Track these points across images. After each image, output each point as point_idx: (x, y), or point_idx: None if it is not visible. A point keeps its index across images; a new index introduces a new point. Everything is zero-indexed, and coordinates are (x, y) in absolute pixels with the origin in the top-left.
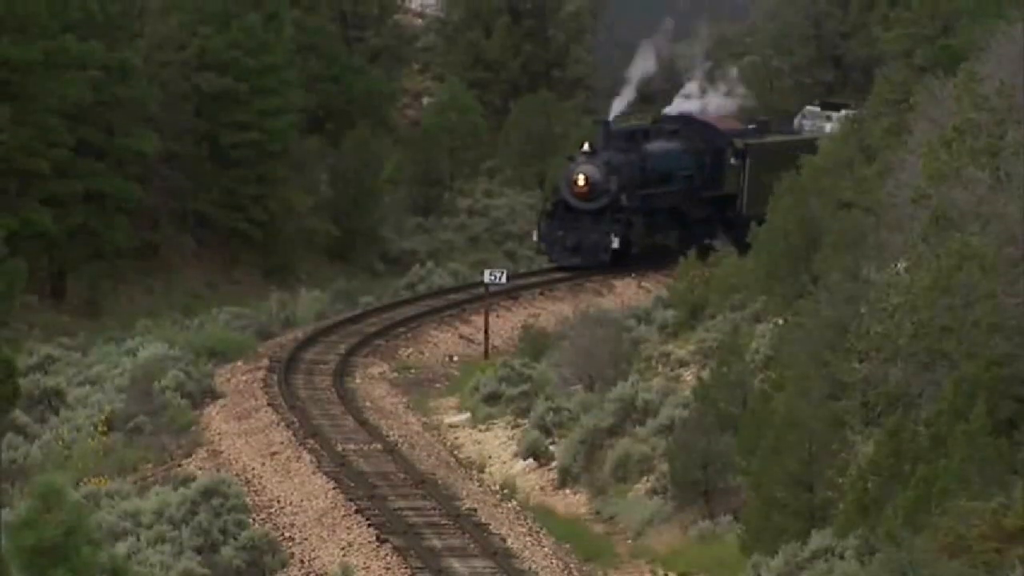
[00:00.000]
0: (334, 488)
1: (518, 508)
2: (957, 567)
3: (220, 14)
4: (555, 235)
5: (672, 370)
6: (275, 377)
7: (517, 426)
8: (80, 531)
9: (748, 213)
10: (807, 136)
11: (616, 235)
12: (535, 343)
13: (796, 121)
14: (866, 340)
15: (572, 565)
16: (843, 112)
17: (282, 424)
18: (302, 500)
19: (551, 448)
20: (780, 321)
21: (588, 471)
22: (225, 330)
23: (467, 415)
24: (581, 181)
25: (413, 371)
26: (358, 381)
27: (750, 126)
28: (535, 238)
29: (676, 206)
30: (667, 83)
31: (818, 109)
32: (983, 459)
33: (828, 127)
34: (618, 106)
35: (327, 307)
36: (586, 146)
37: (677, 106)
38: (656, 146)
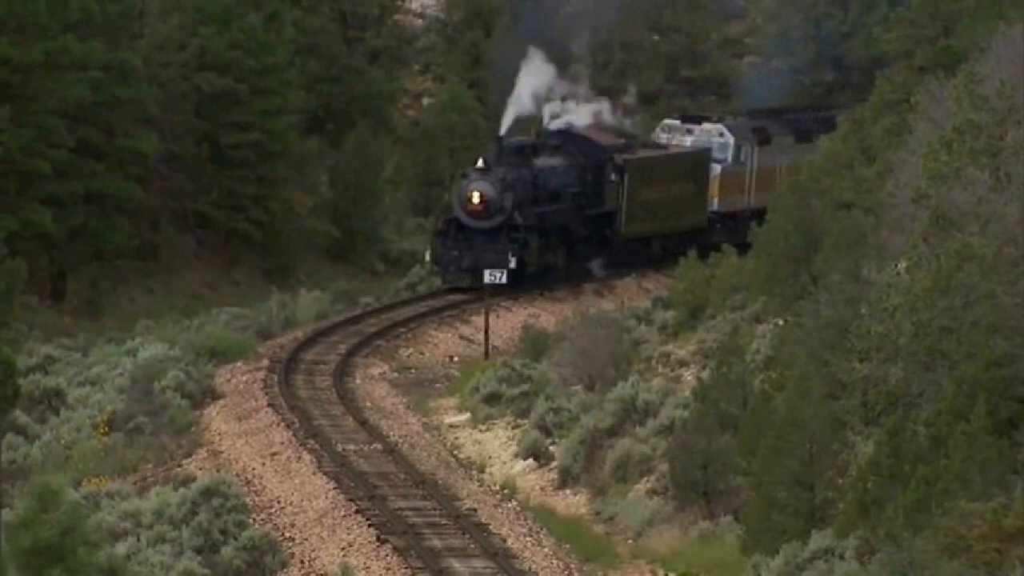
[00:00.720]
0: (334, 488)
1: (518, 508)
2: (957, 567)
3: (220, 15)
4: (449, 255)
5: (672, 370)
6: (275, 377)
7: (517, 426)
8: (77, 531)
9: (627, 232)
10: (689, 150)
11: (513, 255)
12: (535, 343)
13: (654, 135)
14: (866, 340)
15: (572, 565)
16: (704, 125)
17: (282, 424)
18: (302, 500)
19: (551, 448)
20: (780, 321)
21: (588, 471)
22: (225, 330)
23: (467, 415)
24: (476, 199)
25: (413, 371)
26: (358, 381)
27: (620, 140)
28: (427, 259)
29: (565, 224)
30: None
31: (678, 122)
32: (983, 459)
33: (689, 140)
34: (508, 119)
35: (327, 307)
36: (480, 162)
37: (563, 119)
38: (543, 162)
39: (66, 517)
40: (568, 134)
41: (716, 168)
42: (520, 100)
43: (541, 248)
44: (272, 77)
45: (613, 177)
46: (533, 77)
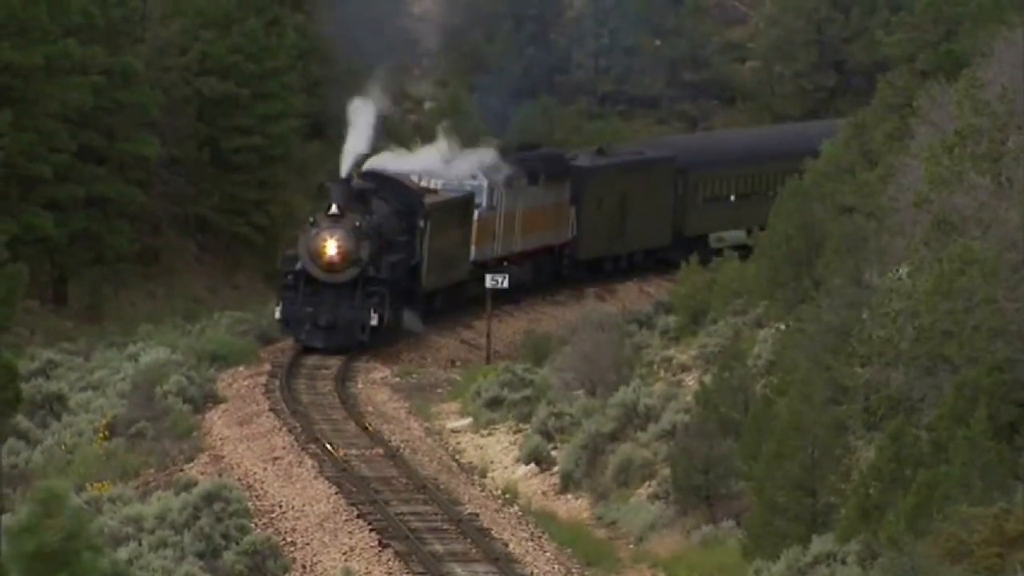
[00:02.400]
0: (336, 493)
1: (520, 513)
2: (959, 572)
3: (222, 19)
4: (302, 313)
5: (674, 375)
6: (277, 382)
7: (519, 431)
8: (80, 536)
9: (428, 285)
10: (463, 194)
11: (376, 310)
12: (537, 348)
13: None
14: (868, 345)
15: (574, 570)
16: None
17: (284, 429)
18: (304, 505)
19: (553, 453)
20: (782, 326)
21: (590, 476)
22: (227, 335)
23: (469, 420)
24: (332, 250)
25: (415, 376)
26: (360, 386)
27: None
28: (276, 316)
29: (400, 276)
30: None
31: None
32: (985, 464)
33: (440, 183)
34: (348, 160)
35: None
36: (334, 208)
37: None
38: (378, 207)
39: (69, 522)
40: (379, 176)
41: (475, 213)
42: (360, 138)
43: (392, 303)
44: (273, 81)
45: (421, 224)
46: (368, 114)
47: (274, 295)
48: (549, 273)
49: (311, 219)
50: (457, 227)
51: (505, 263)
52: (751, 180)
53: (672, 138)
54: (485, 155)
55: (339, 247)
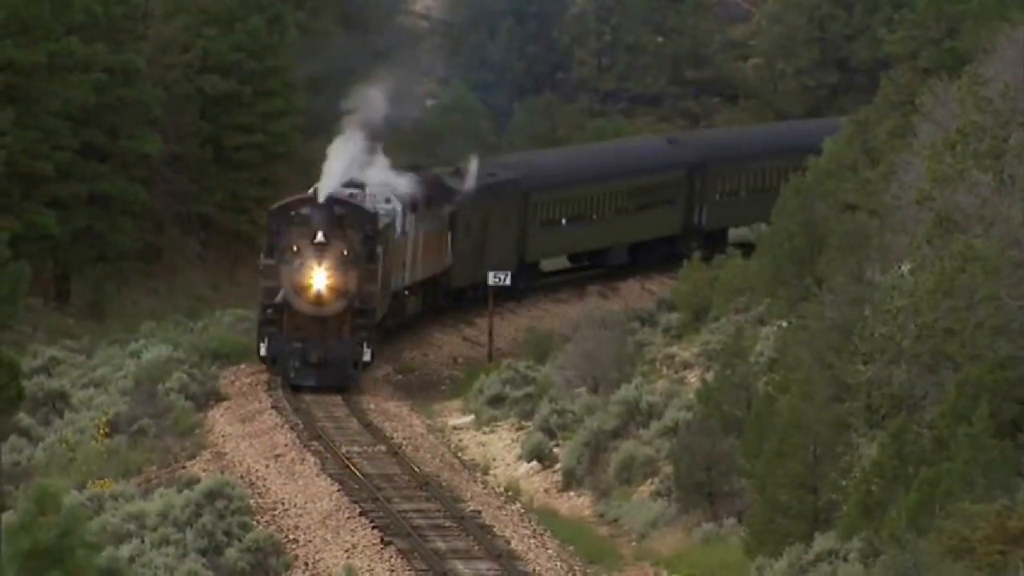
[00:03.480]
0: (338, 490)
1: (522, 510)
2: (962, 570)
3: (224, 16)
4: (290, 349)
5: (676, 372)
6: (279, 380)
7: (521, 428)
8: (75, 534)
9: (380, 314)
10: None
11: (368, 345)
12: (539, 345)
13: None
14: (870, 342)
15: (576, 567)
16: (369, 189)
17: (286, 426)
18: (306, 502)
19: (555, 450)
20: (784, 323)
21: (592, 473)
22: (229, 332)
23: (471, 417)
24: (320, 283)
25: (417, 373)
26: (362, 383)
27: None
28: (261, 353)
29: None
30: None
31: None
32: (987, 461)
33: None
34: (334, 180)
35: None
36: (319, 236)
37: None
38: (350, 234)
39: (64, 520)
40: (344, 200)
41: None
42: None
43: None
44: (275, 79)
45: (379, 250)
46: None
47: (254, 331)
48: (432, 304)
49: (293, 247)
50: (390, 254)
51: (407, 292)
52: (596, 201)
53: (525, 155)
54: (399, 176)
55: (328, 279)
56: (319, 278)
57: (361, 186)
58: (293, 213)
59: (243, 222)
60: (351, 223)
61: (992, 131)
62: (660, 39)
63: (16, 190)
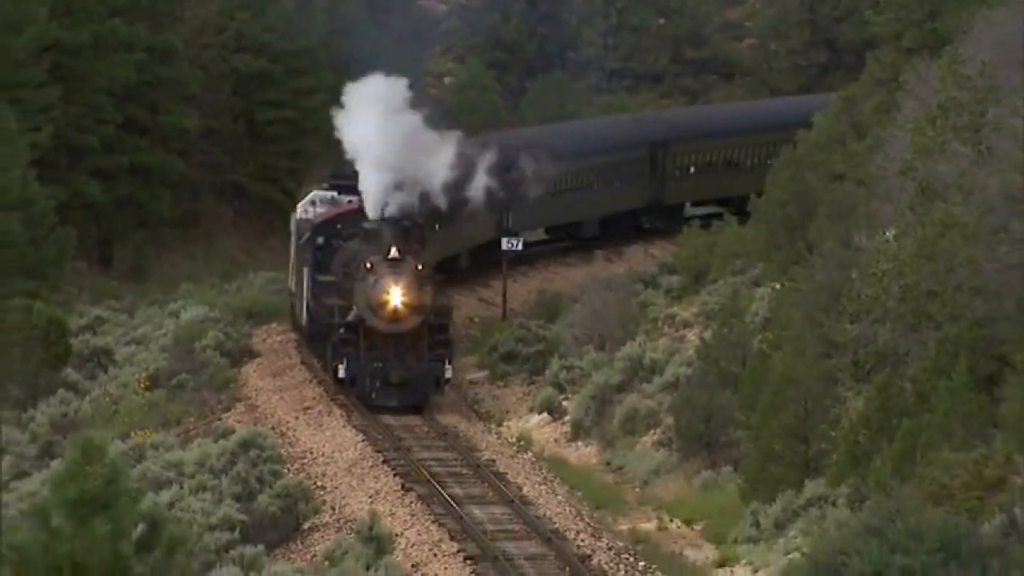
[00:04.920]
0: (362, 440)
1: (533, 459)
2: (941, 514)
3: (256, 0)
4: (370, 369)
5: (677, 331)
6: (303, 338)
7: (533, 383)
8: (118, 483)
9: None
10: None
11: (449, 361)
12: (550, 306)
13: (301, 209)
14: (857, 303)
15: (584, 512)
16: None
17: (314, 381)
18: (333, 451)
19: (564, 403)
20: (777, 285)
21: (599, 425)
22: (261, 293)
23: (486, 372)
24: (397, 299)
25: None
26: None
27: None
28: (340, 375)
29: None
30: None
31: (331, 195)
32: (965, 414)
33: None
34: (375, 196)
35: None
36: (393, 251)
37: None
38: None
39: (108, 470)
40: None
41: None
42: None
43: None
44: (305, 58)
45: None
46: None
47: (328, 351)
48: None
49: (367, 263)
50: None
51: None
52: (570, 177)
53: (506, 135)
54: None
55: (405, 295)
56: (396, 294)
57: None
58: (354, 228)
59: (274, 191)
60: (418, 236)
61: (970, 106)
62: (662, 21)
63: (63, 161)
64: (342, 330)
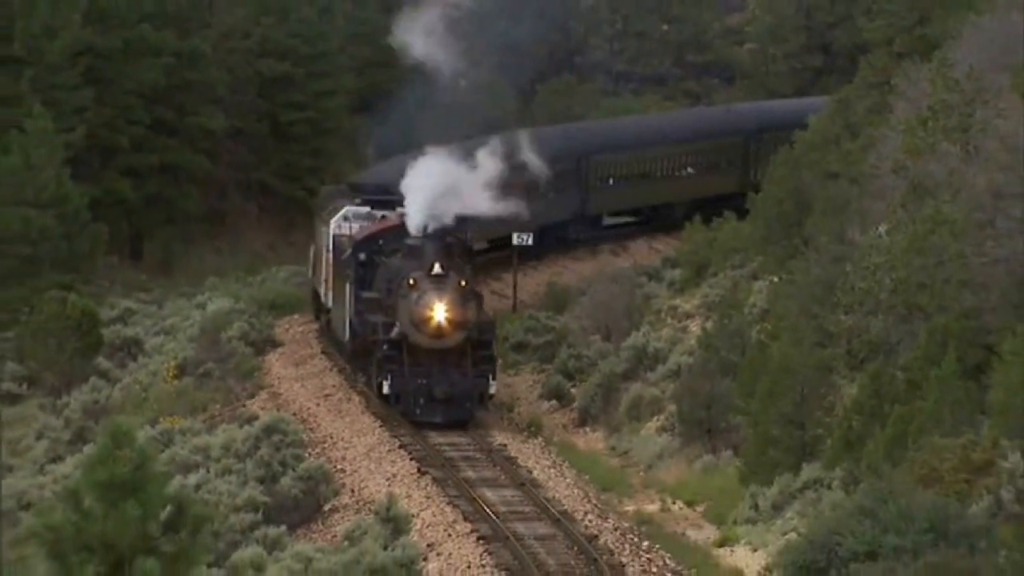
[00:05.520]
0: (380, 426)
1: (543, 444)
2: (931, 496)
3: (280, 7)
4: (415, 385)
5: (679, 322)
6: (323, 328)
7: (542, 371)
8: (147, 467)
9: None
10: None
11: (493, 377)
12: (558, 298)
13: (335, 224)
14: (850, 295)
15: (591, 494)
16: (399, 210)
17: (334, 370)
18: (352, 436)
19: (572, 391)
20: (775, 279)
21: (605, 411)
22: (284, 286)
23: (498, 361)
24: (440, 315)
25: None
26: None
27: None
28: (384, 391)
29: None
30: None
31: (365, 210)
32: (954, 401)
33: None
34: (421, 212)
35: None
36: (437, 268)
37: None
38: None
39: (137, 455)
40: (447, 231)
41: None
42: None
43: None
44: (325, 62)
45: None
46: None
47: (372, 368)
48: None
49: (409, 279)
50: None
51: None
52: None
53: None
54: None
55: (448, 311)
56: (440, 310)
57: (392, 205)
58: (396, 244)
59: (296, 189)
60: (460, 252)
61: (959, 108)
62: (665, 27)
63: (95, 160)
64: (386, 347)
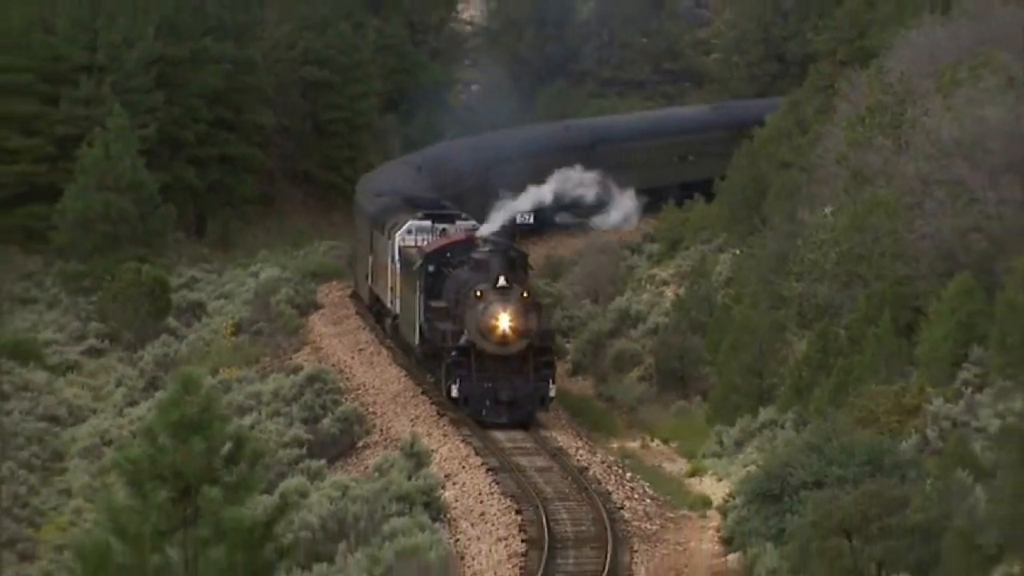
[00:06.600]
0: (405, 376)
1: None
2: (868, 434)
3: (320, 23)
4: (481, 389)
5: (656, 288)
6: (356, 294)
7: None
8: (211, 409)
9: None
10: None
11: (552, 381)
12: (554, 267)
13: (399, 237)
14: (801, 266)
15: (582, 434)
16: (459, 223)
17: (367, 328)
18: (382, 384)
19: (567, 346)
20: (737, 252)
21: (594, 363)
22: (324, 258)
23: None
24: (505, 324)
25: None
26: None
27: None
28: (452, 394)
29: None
30: None
31: (428, 223)
32: (888, 354)
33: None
34: (494, 226)
35: None
36: (502, 280)
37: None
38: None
39: (203, 399)
40: (510, 246)
41: None
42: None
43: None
44: (358, 69)
45: None
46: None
47: (441, 372)
48: None
49: (476, 290)
50: None
51: None
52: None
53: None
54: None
55: (512, 320)
56: (504, 320)
57: (451, 219)
58: (463, 257)
59: (335, 177)
60: (521, 265)
61: (892, 108)
62: (645, 40)
63: (165, 152)
64: (454, 353)
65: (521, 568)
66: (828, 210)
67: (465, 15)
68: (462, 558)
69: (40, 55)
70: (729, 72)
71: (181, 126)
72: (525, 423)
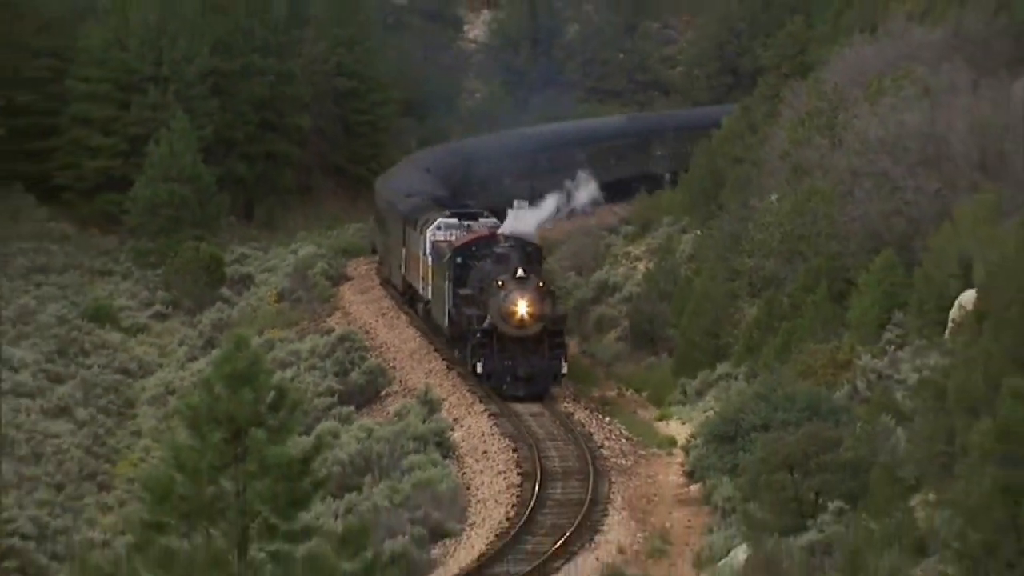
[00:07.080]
0: (420, 336)
1: None
2: (807, 385)
3: (349, 41)
4: (502, 366)
5: (631, 263)
6: (379, 272)
7: None
8: (258, 364)
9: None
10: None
11: (565, 359)
12: (547, 247)
13: (430, 233)
14: (751, 244)
15: (568, 385)
16: (481, 220)
17: (388, 297)
18: (401, 343)
19: None
20: (698, 232)
21: (578, 326)
22: (353, 238)
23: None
24: (523, 310)
25: None
26: None
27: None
28: (477, 370)
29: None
30: None
31: (455, 220)
32: (824, 318)
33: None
34: (515, 225)
35: None
36: (520, 271)
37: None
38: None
39: (251, 354)
40: (527, 241)
41: None
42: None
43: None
44: (381, 81)
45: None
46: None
47: (467, 351)
48: None
49: (499, 280)
50: None
51: None
52: None
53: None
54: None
55: (529, 306)
56: (523, 306)
57: (474, 216)
58: (486, 251)
59: (362, 170)
60: (537, 259)
61: (827, 113)
62: (621, 56)
63: (220, 150)
64: (479, 335)
65: (518, 496)
66: (774, 197)
67: (471, 35)
68: (468, 488)
69: (115, 68)
70: (691, 83)
71: (233, 128)
72: (540, 396)
